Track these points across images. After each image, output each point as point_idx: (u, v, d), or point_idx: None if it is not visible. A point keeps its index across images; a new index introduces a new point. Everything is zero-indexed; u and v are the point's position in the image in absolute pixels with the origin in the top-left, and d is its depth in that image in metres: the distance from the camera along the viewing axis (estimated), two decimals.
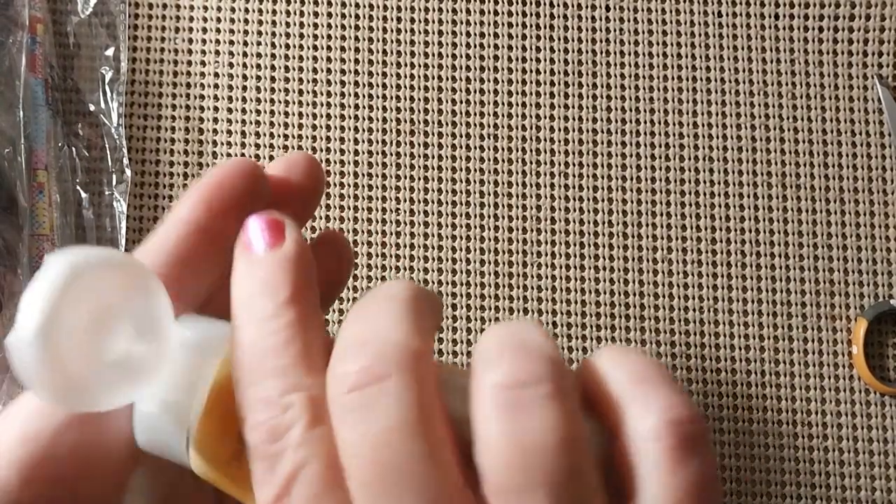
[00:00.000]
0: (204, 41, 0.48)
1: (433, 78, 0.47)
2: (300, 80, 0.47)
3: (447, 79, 0.47)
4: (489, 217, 0.46)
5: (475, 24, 0.48)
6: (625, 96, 0.47)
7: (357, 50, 0.48)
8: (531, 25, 0.48)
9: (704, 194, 0.47)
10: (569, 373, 0.16)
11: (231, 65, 0.47)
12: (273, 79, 0.47)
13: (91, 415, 0.18)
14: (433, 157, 0.47)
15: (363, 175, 0.47)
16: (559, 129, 0.47)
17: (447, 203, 0.46)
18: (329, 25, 0.48)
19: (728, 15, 0.48)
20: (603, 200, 0.47)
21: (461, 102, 0.47)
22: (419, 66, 0.47)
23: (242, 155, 0.47)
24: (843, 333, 0.46)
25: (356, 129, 0.47)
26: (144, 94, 0.47)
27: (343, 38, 0.48)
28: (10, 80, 0.43)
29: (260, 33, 0.48)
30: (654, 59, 0.48)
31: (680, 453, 0.16)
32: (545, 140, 0.47)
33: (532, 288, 0.46)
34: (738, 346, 0.46)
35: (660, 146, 0.47)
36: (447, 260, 0.46)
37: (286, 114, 0.47)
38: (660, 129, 0.47)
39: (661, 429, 0.16)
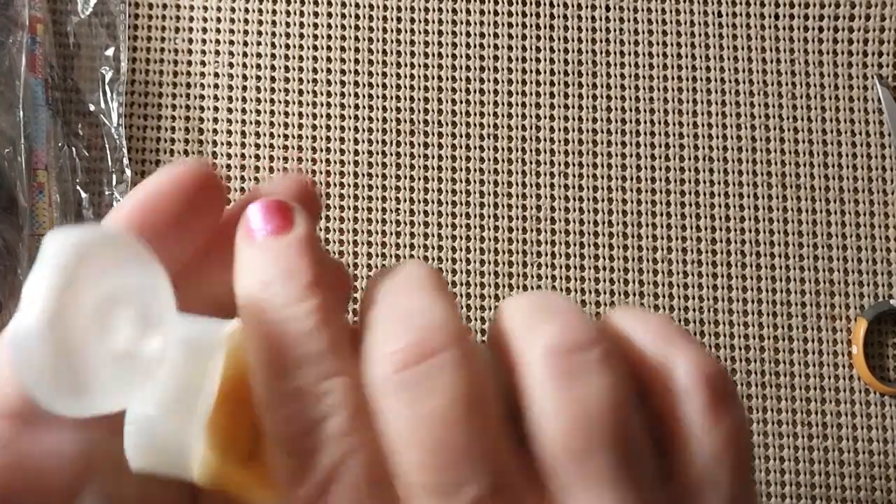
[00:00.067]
0: (204, 41, 0.48)
1: (433, 78, 0.47)
2: (300, 80, 0.47)
3: (447, 79, 0.47)
4: (489, 217, 0.46)
5: (475, 24, 0.48)
6: (625, 96, 0.47)
7: (357, 50, 0.48)
8: (531, 25, 0.48)
9: (704, 194, 0.47)
10: (610, 335, 0.17)
11: (231, 65, 0.47)
12: (273, 79, 0.47)
13: (31, 430, 0.17)
14: (433, 157, 0.47)
15: (363, 175, 0.47)
16: (559, 129, 0.47)
17: (447, 203, 0.46)
18: (329, 25, 0.48)
19: (728, 15, 0.48)
20: (603, 200, 0.47)
21: (461, 102, 0.47)
22: (419, 66, 0.47)
23: (243, 155, 0.47)
24: (843, 333, 0.46)
25: (356, 129, 0.47)
26: (144, 94, 0.47)
27: (343, 38, 0.48)
28: (10, 80, 0.43)
29: (260, 33, 0.48)
30: (654, 59, 0.48)
31: (719, 406, 0.16)
32: (545, 140, 0.47)
33: (532, 288, 0.46)
34: (738, 346, 0.46)
35: (660, 146, 0.47)
36: (447, 260, 0.46)
37: (286, 114, 0.47)
38: (660, 129, 0.47)
39: (700, 385, 0.16)
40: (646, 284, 0.46)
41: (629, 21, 0.48)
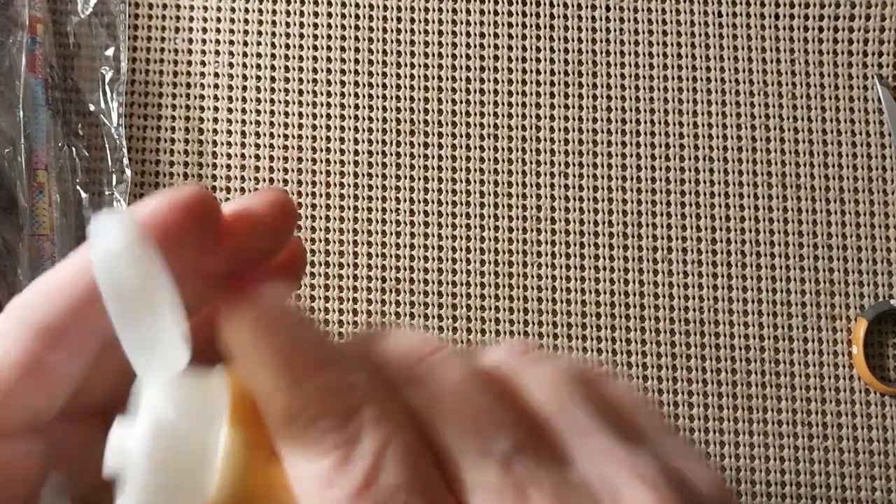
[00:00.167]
0: (204, 41, 0.48)
1: (433, 78, 0.47)
2: (300, 80, 0.47)
3: (447, 79, 0.47)
4: (489, 217, 0.46)
5: (475, 24, 0.48)
6: (625, 96, 0.47)
7: (357, 50, 0.48)
8: (531, 25, 0.48)
9: (704, 194, 0.47)
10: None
11: (231, 65, 0.47)
12: (273, 79, 0.47)
13: None
14: (433, 157, 0.47)
15: (363, 175, 0.47)
16: (559, 129, 0.47)
17: (447, 203, 0.46)
18: (329, 25, 0.48)
19: (728, 15, 0.48)
20: (603, 200, 0.47)
21: (461, 102, 0.47)
22: (419, 66, 0.47)
23: (243, 155, 0.47)
24: (843, 333, 0.46)
25: (356, 129, 0.47)
26: (144, 94, 0.47)
27: (343, 38, 0.48)
28: (10, 80, 0.43)
29: (260, 33, 0.48)
30: (654, 59, 0.48)
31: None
32: (545, 140, 0.47)
33: (532, 288, 0.46)
34: (738, 346, 0.46)
35: (660, 146, 0.47)
36: (447, 260, 0.46)
37: (286, 114, 0.47)
38: (660, 129, 0.47)
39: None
40: (646, 284, 0.46)
41: (629, 21, 0.48)
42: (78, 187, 0.46)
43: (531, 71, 0.47)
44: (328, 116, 0.47)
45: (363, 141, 0.47)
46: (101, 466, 0.17)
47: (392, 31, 0.48)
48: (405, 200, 0.46)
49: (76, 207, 0.46)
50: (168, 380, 0.17)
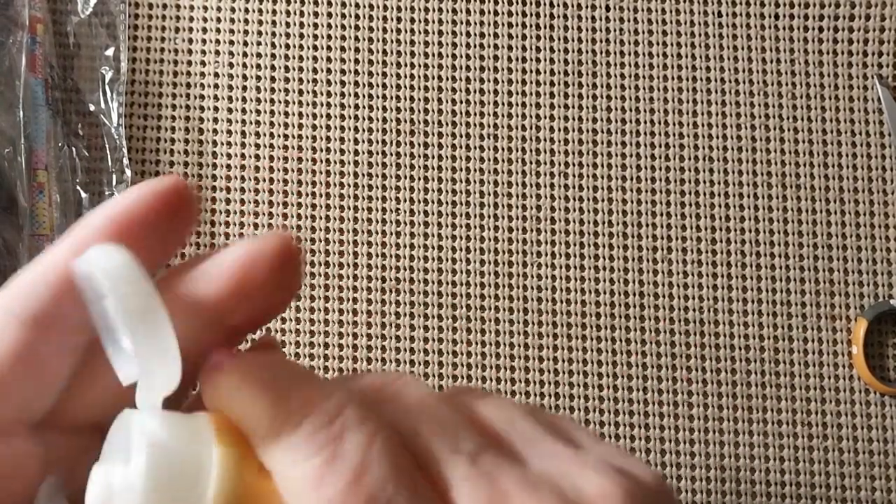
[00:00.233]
0: (204, 41, 0.48)
1: (433, 78, 0.47)
2: (300, 80, 0.47)
3: (447, 79, 0.47)
4: (489, 217, 0.46)
5: (475, 24, 0.48)
6: (625, 96, 0.47)
7: (357, 50, 0.48)
8: (531, 25, 0.48)
9: (704, 194, 0.47)
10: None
11: (231, 65, 0.47)
12: (273, 79, 0.47)
13: None
14: (433, 157, 0.47)
15: (363, 175, 0.47)
16: (559, 129, 0.47)
17: (447, 203, 0.46)
18: (329, 25, 0.48)
19: (728, 15, 0.48)
20: (603, 200, 0.47)
21: (461, 102, 0.47)
22: (419, 66, 0.47)
23: (243, 155, 0.47)
24: (843, 333, 0.46)
25: (356, 129, 0.47)
26: (144, 94, 0.47)
27: (343, 38, 0.48)
28: (10, 80, 0.43)
29: (260, 33, 0.48)
30: (654, 59, 0.48)
31: None
32: (545, 140, 0.47)
33: (532, 288, 0.46)
34: (738, 346, 0.46)
35: (660, 146, 0.47)
36: (447, 260, 0.46)
37: (286, 114, 0.47)
38: (660, 129, 0.47)
39: None
40: (646, 284, 0.46)
41: (629, 21, 0.48)
42: (78, 187, 0.46)
43: (531, 71, 0.47)
44: (328, 116, 0.47)
45: (363, 141, 0.47)
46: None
47: (392, 31, 0.48)
48: (405, 200, 0.46)
49: (76, 207, 0.46)
50: (155, 407, 0.18)
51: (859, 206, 0.46)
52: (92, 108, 0.47)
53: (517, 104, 0.47)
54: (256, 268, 0.19)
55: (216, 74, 0.47)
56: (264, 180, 0.47)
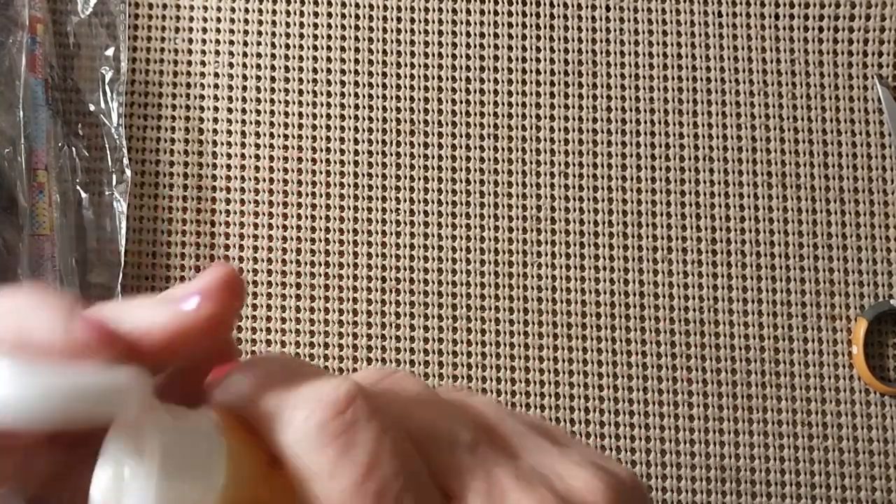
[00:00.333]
0: (204, 41, 0.48)
1: (433, 78, 0.47)
2: (300, 80, 0.47)
3: (447, 79, 0.47)
4: (489, 217, 0.46)
5: (475, 24, 0.48)
6: (625, 96, 0.47)
7: (357, 50, 0.48)
8: (531, 25, 0.48)
9: (704, 194, 0.47)
10: None
11: (231, 65, 0.47)
12: (273, 79, 0.47)
13: None
14: (433, 157, 0.47)
15: (363, 175, 0.47)
16: (559, 129, 0.47)
17: (447, 203, 0.46)
18: (329, 25, 0.48)
19: (728, 15, 0.48)
20: (603, 200, 0.47)
21: (461, 102, 0.47)
22: (419, 66, 0.47)
23: (243, 155, 0.47)
24: (843, 333, 0.46)
25: (356, 129, 0.47)
26: (144, 94, 0.47)
27: (343, 38, 0.48)
28: (10, 80, 0.43)
29: (260, 33, 0.48)
30: (654, 59, 0.48)
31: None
32: (545, 140, 0.47)
33: (532, 288, 0.46)
34: (738, 346, 0.46)
35: (660, 146, 0.47)
36: (447, 260, 0.46)
37: (286, 114, 0.47)
38: (660, 129, 0.47)
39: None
40: (646, 284, 0.46)
41: (629, 21, 0.48)
42: (78, 187, 0.46)
43: (531, 71, 0.47)
44: (328, 116, 0.47)
45: (363, 141, 0.47)
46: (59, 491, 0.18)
47: (392, 31, 0.48)
48: (405, 200, 0.46)
49: (76, 207, 0.46)
50: (160, 410, 0.18)
51: (859, 206, 0.46)
52: (92, 108, 0.47)
53: (517, 104, 0.47)
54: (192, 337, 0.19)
55: (216, 74, 0.47)
56: (264, 180, 0.47)
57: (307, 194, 0.46)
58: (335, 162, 0.47)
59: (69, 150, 0.46)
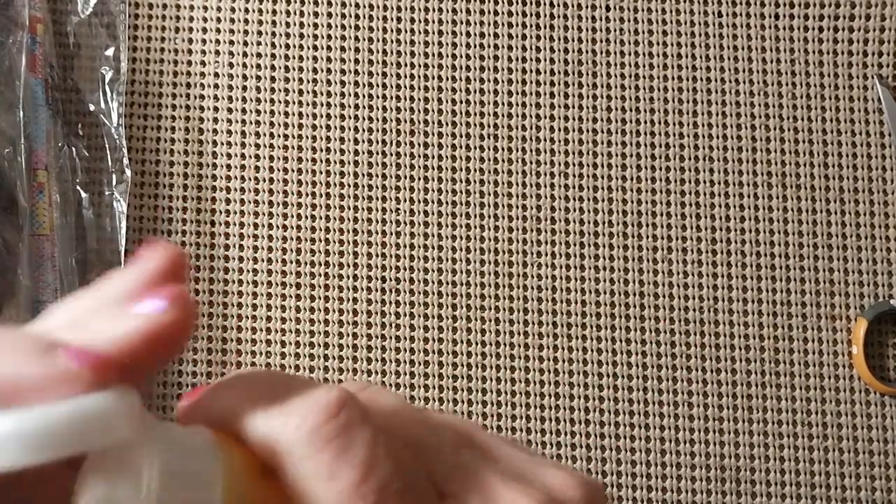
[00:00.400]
0: (204, 41, 0.48)
1: (433, 78, 0.47)
2: (300, 80, 0.47)
3: (447, 79, 0.47)
4: (489, 217, 0.46)
5: (475, 24, 0.48)
6: (625, 96, 0.47)
7: (357, 50, 0.48)
8: (531, 25, 0.48)
9: (704, 194, 0.47)
10: None
11: (231, 65, 0.47)
12: (273, 79, 0.47)
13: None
14: (433, 157, 0.47)
15: (363, 175, 0.47)
16: (559, 129, 0.47)
17: (447, 203, 0.46)
18: (329, 25, 0.48)
19: (728, 15, 0.48)
20: (603, 200, 0.47)
21: (461, 102, 0.47)
22: (419, 66, 0.47)
23: (243, 155, 0.47)
24: (843, 333, 0.46)
25: (356, 129, 0.47)
26: (144, 94, 0.47)
27: (343, 38, 0.48)
28: (10, 80, 0.43)
29: (260, 33, 0.48)
30: (654, 59, 0.48)
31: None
32: (545, 140, 0.47)
33: (532, 288, 0.46)
34: (738, 346, 0.46)
35: (660, 146, 0.47)
36: (447, 260, 0.46)
37: (286, 114, 0.47)
38: (660, 129, 0.47)
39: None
40: (646, 284, 0.46)
41: (629, 21, 0.48)
42: (78, 187, 0.46)
43: (531, 71, 0.47)
44: (328, 116, 0.47)
45: (363, 141, 0.47)
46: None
47: (392, 31, 0.48)
48: (405, 200, 0.46)
49: (76, 207, 0.46)
50: (152, 426, 0.17)
51: (859, 206, 0.46)
52: (92, 108, 0.47)
53: (517, 104, 0.47)
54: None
55: (216, 74, 0.47)
56: (264, 180, 0.47)
57: (307, 194, 0.46)
58: (335, 162, 0.47)
59: (69, 150, 0.46)
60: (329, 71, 0.47)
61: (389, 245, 0.46)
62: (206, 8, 0.48)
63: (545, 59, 0.48)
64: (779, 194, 0.47)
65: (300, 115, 0.47)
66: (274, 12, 0.48)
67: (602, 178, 0.47)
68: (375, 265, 0.46)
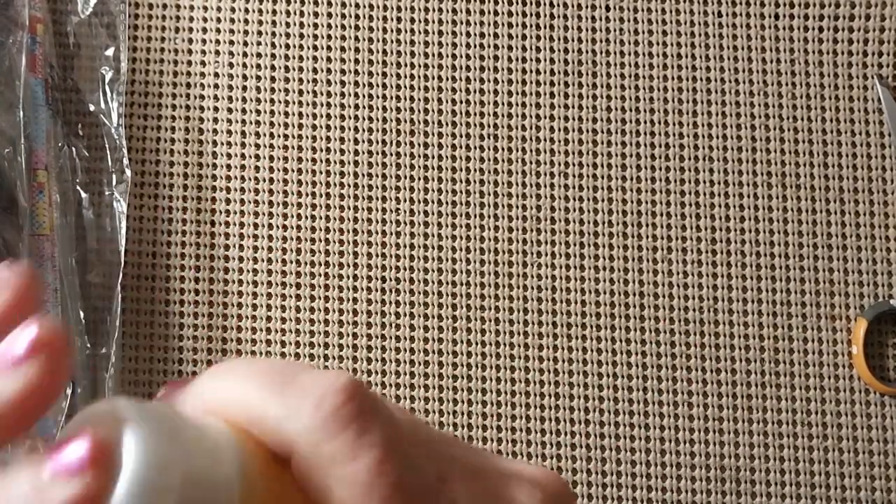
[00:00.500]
0: (204, 41, 0.48)
1: (433, 78, 0.47)
2: (300, 80, 0.47)
3: (447, 79, 0.47)
4: (489, 217, 0.46)
5: (475, 24, 0.48)
6: (625, 96, 0.47)
7: (357, 50, 0.48)
8: (531, 25, 0.48)
9: (704, 194, 0.47)
10: None
11: (231, 65, 0.47)
12: (273, 79, 0.47)
13: None
14: (433, 157, 0.47)
15: (363, 175, 0.47)
16: (559, 129, 0.47)
17: (447, 203, 0.46)
18: (329, 25, 0.48)
19: (728, 15, 0.48)
20: (603, 200, 0.47)
21: (461, 102, 0.47)
22: (419, 66, 0.47)
23: (243, 155, 0.47)
24: (843, 333, 0.46)
25: (356, 129, 0.47)
26: (144, 94, 0.47)
27: (343, 38, 0.48)
28: (10, 80, 0.43)
29: (260, 33, 0.48)
30: (654, 59, 0.48)
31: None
32: (545, 140, 0.47)
33: (532, 288, 0.46)
34: (738, 346, 0.46)
35: (660, 146, 0.47)
36: (447, 260, 0.46)
37: (286, 114, 0.47)
38: (660, 129, 0.47)
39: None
40: (646, 284, 0.46)
41: (629, 21, 0.48)
42: (78, 187, 0.46)
43: (531, 71, 0.47)
44: (328, 116, 0.47)
45: (363, 141, 0.47)
46: None
47: (392, 31, 0.48)
48: (405, 200, 0.46)
49: (76, 207, 0.46)
50: (168, 415, 0.17)
51: (859, 206, 0.46)
52: (92, 108, 0.47)
53: (517, 104, 0.47)
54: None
55: (216, 74, 0.47)
56: (264, 180, 0.47)
57: (307, 194, 0.46)
58: (335, 162, 0.47)
59: (69, 150, 0.46)
60: (329, 71, 0.47)
61: (389, 245, 0.46)
62: (206, 8, 0.48)
63: (545, 59, 0.48)
64: (779, 194, 0.47)
65: (300, 115, 0.47)
66: (274, 12, 0.48)
67: (602, 178, 0.47)
68: (375, 265, 0.46)
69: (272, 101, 0.47)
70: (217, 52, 0.47)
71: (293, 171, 0.47)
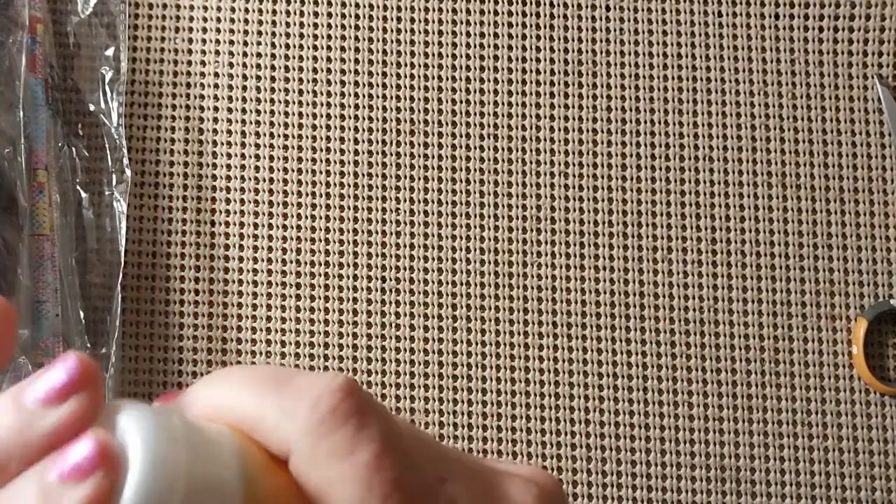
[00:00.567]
0: (204, 41, 0.48)
1: (433, 78, 0.47)
2: (300, 80, 0.47)
3: (447, 79, 0.47)
4: (489, 217, 0.46)
5: (475, 24, 0.48)
6: (625, 96, 0.47)
7: (357, 50, 0.48)
8: (531, 25, 0.48)
9: (704, 194, 0.47)
10: None
11: (231, 65, 0.47)
12: (273, 79, 0.47)
13: None
14: (433, 157, 0.47)
15: (363, 175, 0.47)
16: (559, 129, 0.47)
17: (447, 203, 0.46)
18: (329, 25, 0.48)
19: (728, 15, 0.48)
20: (603, 200, 0.47)
21: (461, 102, 0.47)
22: (419, 66, 0.47)
23: (243, 155, 0.47)
24: (843, 333, 0.46)
25: (356, 129, 0.47)
26: (144, 94, 0.47)
27: (343, 38, 0.48)
28: (10, 80, 0.43)
29: (260, 33, 0.48)
30: (654, 59, 0.48)
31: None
32: (545, 140, 0.47)
33: (532, 288, 0.46)
34: (738, 346, 0.46)
35: (660, 146, 0.47)
36: (447, 260, 0.46)
37: (286, 114, 0.47)
38: (660, 129, 0.47)
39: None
40: (646, 284, 0.46)
41: (629, 21, 0.48)
42: (78, 187, 0.46)
43: (531, 71, 0.47)
44: (328, 116, 0.47)
45: (363, 141, 0.47)
46: None
47: (392, 31, 0.48)
48: (405, 200, 0.46)
49: (76, 207, 0.46)
50: (171, 418, 0.17)
51: (859, 206, 0.46)
52: (92, 108, 0.47)
53: (517, 104, 0.47)
54: None
55: (216, 74, 0.47)
56: (264, 180, 0.47)
57: (307, 194, 0.46)
58: (335, 162, 0.47)
59: (69, 150, 0.46)
60: (329, 71, 0.47)
61: (389, 245, 0.46)
62: (206, 8, 0.48)
63: (545, 59, 0.48)
64: (779, 194, 0.47)
65: (300, 115, 0.47)
66: (274, 12, 0.48)
67: (602, 178, 0.47)
68: (375, 265, 0.46)
69: (272, 101, 0.47)
70: (217, 52, 0.47)
71: (293, 171, 0.47)
